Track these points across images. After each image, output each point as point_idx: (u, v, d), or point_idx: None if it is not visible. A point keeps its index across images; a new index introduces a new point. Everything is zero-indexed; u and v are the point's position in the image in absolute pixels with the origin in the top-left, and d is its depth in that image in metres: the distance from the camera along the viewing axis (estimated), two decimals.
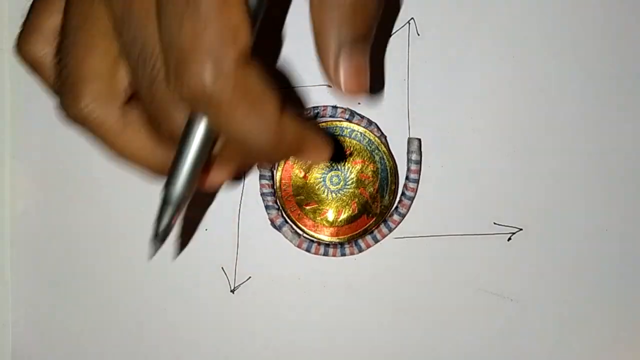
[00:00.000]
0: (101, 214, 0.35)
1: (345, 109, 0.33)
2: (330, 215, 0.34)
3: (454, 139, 0.34)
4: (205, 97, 0.20)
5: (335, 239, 0.34)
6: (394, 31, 0.33)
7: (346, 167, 0.34)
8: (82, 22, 0.23)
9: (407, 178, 0.33)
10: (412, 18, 0.33)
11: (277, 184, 0.34)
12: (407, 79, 0.34)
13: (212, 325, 0.35)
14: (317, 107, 0.33)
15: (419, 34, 0.33)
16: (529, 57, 0.33)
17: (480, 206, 0.34)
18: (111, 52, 0.23)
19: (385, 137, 0.34)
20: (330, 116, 0.33)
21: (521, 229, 0.34)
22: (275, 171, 0.34)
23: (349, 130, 0.33)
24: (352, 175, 0.34)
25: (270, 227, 0.34)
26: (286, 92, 0.33)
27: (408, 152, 0.33)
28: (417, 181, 0.34)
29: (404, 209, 0.34)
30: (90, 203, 0.35)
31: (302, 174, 0.34)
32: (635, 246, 0.34)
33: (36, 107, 0.35)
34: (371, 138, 0.33)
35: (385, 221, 0.34)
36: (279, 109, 0.21)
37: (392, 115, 0.34)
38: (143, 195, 0.35)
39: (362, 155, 0.34)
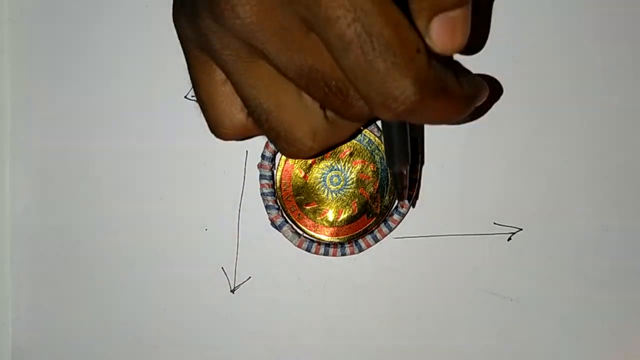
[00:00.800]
0: (101, 214, 0.35)
1: None
2: (330, 215, 0.34)
3: (454, 139, 0.34)
4: (415, 109, 0.23)
5: (335, 239, 0.34)
6: None
7: (346, 167, 0.34)
8: (257, 81, 0.25)
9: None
10: None
11: (277, 184, 0.34)
12: None
13: (212, 325, 0.35)
14: None
15: None
16: (529, 57, 0.33)
17: (480, 206, 0.34)
18: (293, 91, 0.25)
19: None
20: None
21: (521, 229, 0.34)
22: (275, 171, 0.34)
23: None
24: (352, 175, 0.34)
25: (271, 227, 0.34)
26: None
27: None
28: (417, 180, 0.34)
29: (404, 209, 0.34)
30: (90, 203, 0.35)
31: (302, 174, 0.34)
32: (635, 246, 0.34)
33: (36, 107, 0.35)
34: (371, 138, 0.33)
35: (385, 221, 0.34)
36: (459, 85, 0.24)
37: None
38: (143, 195, 0.35)
39: (362, 156, 0.34)
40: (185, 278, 0.35)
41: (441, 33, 0.24)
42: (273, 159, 0.34)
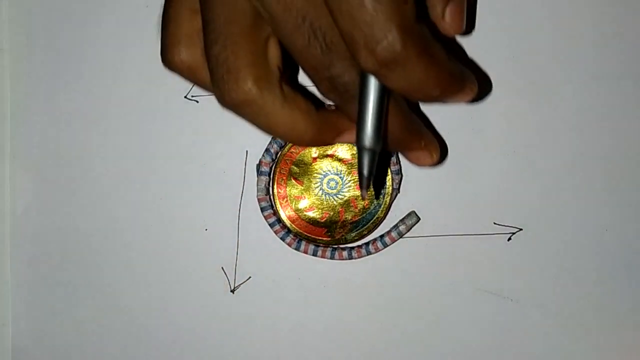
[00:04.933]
0: (101, 213, 0.35)
1: None
2: (314, 214, 0.34)
3: (454, 139, 0.34)
4: (396, 59, 0.23)
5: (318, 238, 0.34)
6: None
7: (345, 172, 0.34)
8: (228, 12, 0.25)
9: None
10: None
11: (273, 193, 0.34)
12: None
13: (212, 325, 0.35)
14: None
15: None
16: (529, 57, 0.33)
17: (480, 206, 0.34)
18: (261, 37, 0.25)
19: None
20: None
21: (521, 229, 0.34)
22: (271, 184, 0.34)
23: None
24: (349, 180, 0.34)
25: (271, 227, 0.34)
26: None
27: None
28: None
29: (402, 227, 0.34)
30: (90, 203, 0.35)
31: (298, 187, 0.34)
32: (635, 246, 0.34)
33: (36, 107, 0.35)
34: None
35: (396, 226, 0.34)
36: (447, 54, 0.24)
37: None
38: (143, 195, 0.35)
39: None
40: (185, 278, 0.35)
41: (453, 16, 0.26)
42: (272, 160, 0.34)
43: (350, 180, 0.34)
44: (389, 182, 0.34)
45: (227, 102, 0.25)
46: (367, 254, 0.34)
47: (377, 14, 0.22)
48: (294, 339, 0.35)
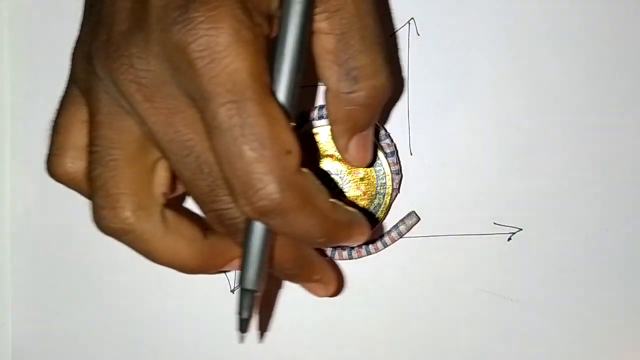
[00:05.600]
0: None
1: None
2: None
3: (454, 139, 0.34)
4: (274, 210, 0.22)
5: None
6: (394, 31, 0.33)
7: (345, 172, 0.34)
8: (114, 135, 0.24)
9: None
10: (412, 18, 0.33)
11: None
12: (407, 79, 0.34)
13: (212, 325, 0.35)
14: (322, 106, 0.33)
15: (419, 34, 0.33)
16: (529, 57, 0.34)
17: (480, 206, 0.34)
18: (148, 161, 0.24)
19: (390, 138, 0.33)
20: None
21: (521, 229, 0.34)
22: None
23: None
24: (350, 184, 0.34)
25: None
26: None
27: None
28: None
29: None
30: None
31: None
32: (635, 246, 0.34)
33: (36, 107, 0.35)
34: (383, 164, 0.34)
35: (396, 226, 0.34)
36: (331, 204, 0.24)
37: (392, 115, 0.34)
38: None
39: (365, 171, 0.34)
40: (185, 278, 0.35)
41: (358, 149, 0.28)
42: None
43: (350, 181, 0.34)
44: (389, 182, 0.34)
45: (103, 228, 0.25)
46: (367, 254, 0.34)
47: (256, 164, 0.22)
48: (294, 339, 0.35)
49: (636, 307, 0.35)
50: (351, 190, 0.34)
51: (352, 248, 0.34)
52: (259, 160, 0.22)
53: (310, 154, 0.33)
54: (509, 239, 0.34)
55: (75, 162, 0.26)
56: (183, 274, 0.35)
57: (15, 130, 0.35)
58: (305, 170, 0.23)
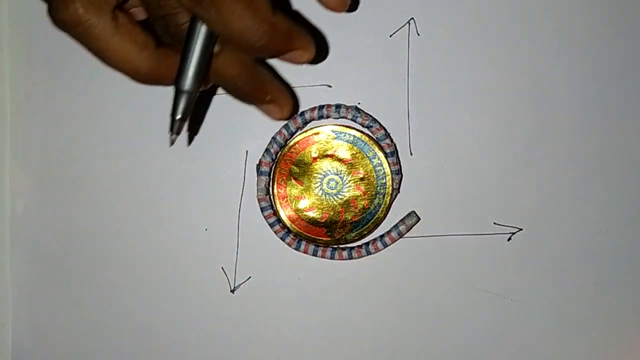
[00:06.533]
0: (101, 213, 0.35)
1: (349, 107, 0.33)
2: (315, 214, 0.34)
3: (454, 139, 0.34)
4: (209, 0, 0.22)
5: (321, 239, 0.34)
6: (394, 31, 0.33)
7: (345, 172, 0.34)
8: None
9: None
10: (412, 18, 0.33)
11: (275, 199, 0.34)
12: (407, 79, 0.34)
13: (212, 325, 0.35)
14: (322, 106, 0.33)
15: (419, 34, 0.33)
16: (529, 57, 0.33)
17: (480, 206, 0.34)
18: None
19: (390, 138, 0.33)
20: (335, 114, 0.33)
21: (521, 229, 0.34)
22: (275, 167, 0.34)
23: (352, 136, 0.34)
24: (349, 184, 0.34)
25: (270, 227, 0.34)
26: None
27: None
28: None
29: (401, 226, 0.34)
30: (90, 203, 0.35)
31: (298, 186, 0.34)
32: (635, 246, 0.34)
33: (36, 107, 0.35)
34: (369, 143, 0.34)
35: (396, 226, 0.34)
36: (270, 6, 0.24)
37: (392, 115, 0.34)
38: (143, 195, 0.35)
39: (364, 167, 0.34)
40: (185, 278, 0.35)
41: None
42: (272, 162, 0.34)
43: (350, 181, 0.34)
44: (389, 182, 0.34)
45: (54, 19, 0.25)
46: (367, 254, 0.34)
47: None
48: (293, 339, 0.35)
49: (636, 307, 0.35)
50: (351, 190, 0.34)
51: (352, 248, 0.34)
52: None
53: None
54: (509, 239, 0.34)
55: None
56: (183, 275, 0.35)
57: (15, 130, 0.35)
58: None
